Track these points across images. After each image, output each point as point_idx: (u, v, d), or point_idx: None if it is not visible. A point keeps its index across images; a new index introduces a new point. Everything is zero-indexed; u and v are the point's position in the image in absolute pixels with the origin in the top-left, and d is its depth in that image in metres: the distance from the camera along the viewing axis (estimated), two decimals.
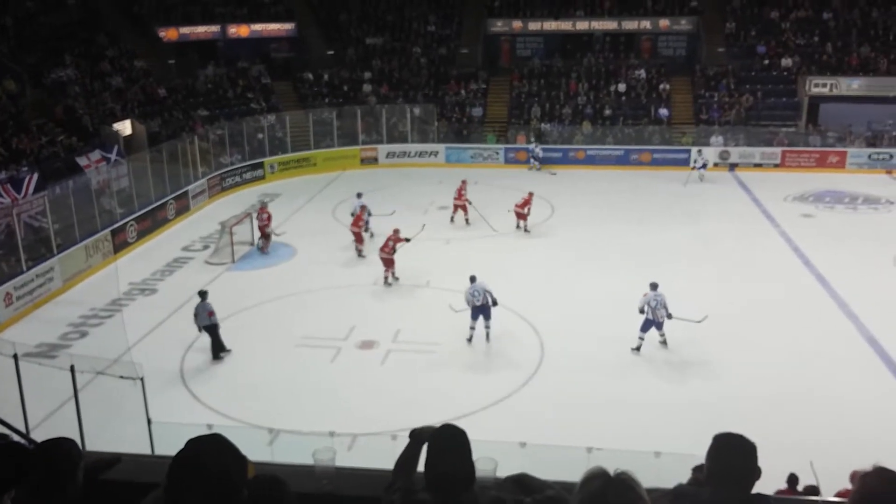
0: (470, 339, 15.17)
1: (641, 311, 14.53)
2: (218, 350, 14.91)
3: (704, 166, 28.23)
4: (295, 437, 10.21)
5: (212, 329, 14.85)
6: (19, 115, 23.72)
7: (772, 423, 11.22)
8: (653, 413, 12.44)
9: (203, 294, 15.10)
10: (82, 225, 19.88)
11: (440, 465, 2.78)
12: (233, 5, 35.47)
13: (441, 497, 2.72)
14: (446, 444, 2.83)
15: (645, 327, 14.58)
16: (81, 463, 2.84)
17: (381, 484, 3.29)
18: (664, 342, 14.77)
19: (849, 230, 22.27)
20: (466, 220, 23.09)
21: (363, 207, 20.85)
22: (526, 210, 22.19)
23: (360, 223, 20.21)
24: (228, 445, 2.31)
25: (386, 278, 18.37)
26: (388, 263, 18.30)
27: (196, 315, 14.90)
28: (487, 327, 15.17)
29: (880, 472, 2.52)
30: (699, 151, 29.28)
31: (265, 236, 20.98)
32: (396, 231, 18.61)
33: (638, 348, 14.69)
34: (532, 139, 31.21)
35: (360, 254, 20.26)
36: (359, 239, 20.28)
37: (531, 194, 22.56)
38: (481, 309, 14.95)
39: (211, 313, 14.80)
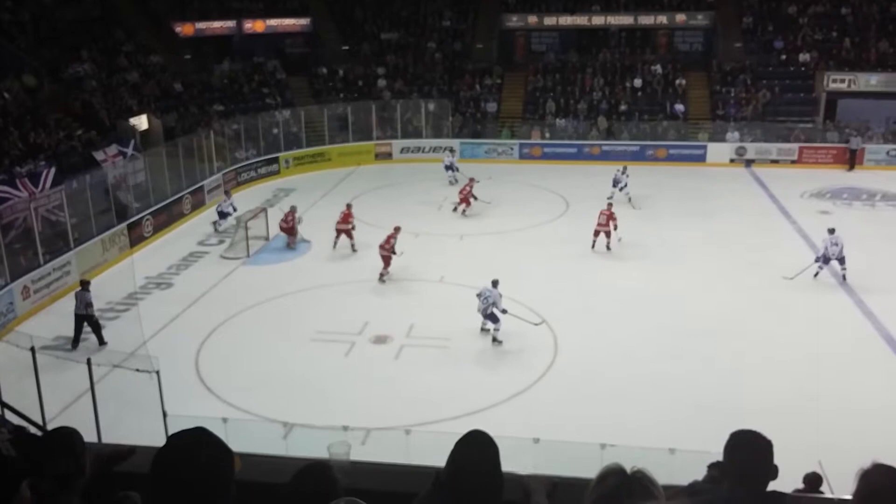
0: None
1: (476, 296, 14.98)
2: (99, 339, 15.20)
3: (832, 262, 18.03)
4: (309, 430, 10.24)
5: (85, 319, 15.07)
6: (37, 110, 23.89)
7: (787, 422, 11.13)
8: (667, 410, 12.39)
9: (84, 284, 15.39)
10: (99, 219, 20.02)
11: (468, 474, 2.60)
12: (248, 0, 35.56)
13: None
14: (475, 452, 2.63)
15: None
16: (86, 451, 2.85)
17: (396, 478, 3.29)
18: (494, 338, 15.03)
19: (867, 227, 22.05)
20: (464, 212, 23.47)
21: (349, 206, 21.02)
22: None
23: (349, 221, 20.30)
24: (212, 438, 2.22)
25: (381, 275, 18.34)
26: (386, 261, 18.29)
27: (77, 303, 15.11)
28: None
29: (880, 468, 2.51)
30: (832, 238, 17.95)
31: (292, 234, 21.10)
32: (397, 229, 18.65)
33: (482, 329, 15.29)
34: (448, 150, 29.62)
35: (353, 248, 20.50)
36: (349, 235, 20.37)
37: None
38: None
39: (89, 304, 15.04)
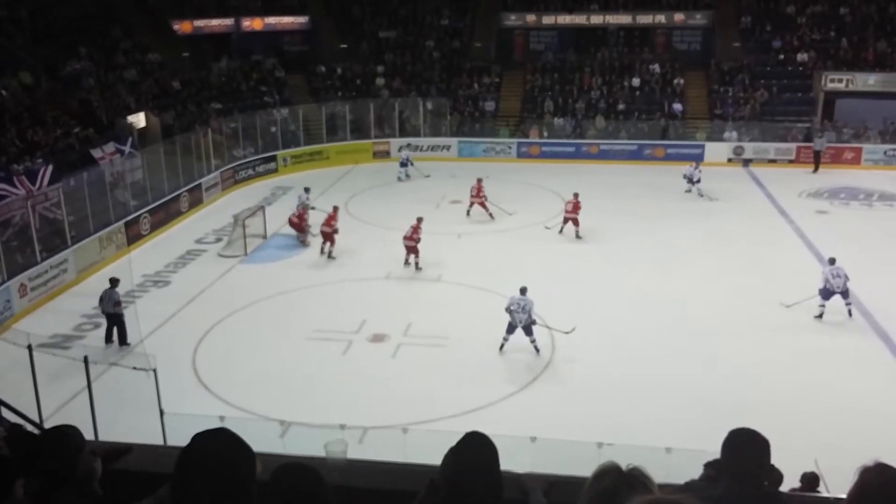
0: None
1: (507, 311, 14.33)
2: (122, 338, 14.96)
3: None
4: (306, 429, 10.24)
5: (115, 318, 14.93)
6: (34, 108, 23.85)
7: (785, 422, 11.15)
8: (666, 409, 12.39)
9: (113, 282, 15.14)
10: (96, 217, 19.98)
11: (467, 474, 2.62)
12: None
13: None
14: (476, 456, 2.65)
15: (509, 329, 14.37)
16: (86, 449, 2.86)
17: (393, 477, 3.28)
18: (536, 348, 14.43)
19: (864, 227, 22.09)
20: (491, 215, 22.97)
21: (336, 208, 20.72)
22: None
23: (331, 224, 19.98)
24: (236, 439, 2.23)
25: (416, 263, 18.78)
26: (415, 251, 18.75)
27: (101, 300, 14.94)
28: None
29: (879, 467, 2.52)
30: None
31: (303, 230, 21.06)
32: (420, 220, 19.01)
33: (501, 347, 14.52)
34: (404, 146, 30.20)
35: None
36: (331, 240, 19.95)
37: None
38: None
39: (117, 303, 14.89)
